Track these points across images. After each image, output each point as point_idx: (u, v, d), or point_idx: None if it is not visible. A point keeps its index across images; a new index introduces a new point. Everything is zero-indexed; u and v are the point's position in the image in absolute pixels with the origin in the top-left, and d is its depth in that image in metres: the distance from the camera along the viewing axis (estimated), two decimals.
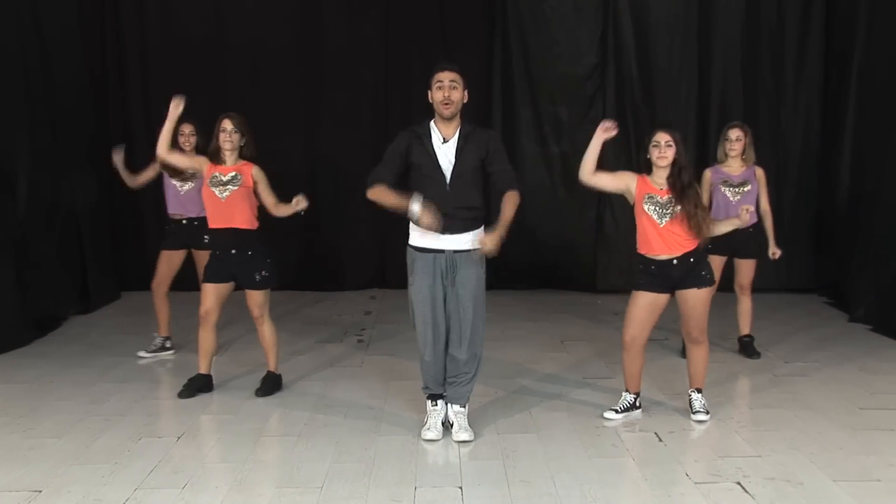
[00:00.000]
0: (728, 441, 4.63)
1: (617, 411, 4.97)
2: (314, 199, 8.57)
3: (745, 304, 6.24)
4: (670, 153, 4.67)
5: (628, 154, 8.47)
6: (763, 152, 8.04)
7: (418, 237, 4.55)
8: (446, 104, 4.43)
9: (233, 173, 5.24)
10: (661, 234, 4.68)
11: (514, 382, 5.68)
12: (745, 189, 6.01)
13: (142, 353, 6.27)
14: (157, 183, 6.37)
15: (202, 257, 5.80)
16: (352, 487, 4.02)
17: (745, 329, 6.30)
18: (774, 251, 6.15)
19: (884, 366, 6.05)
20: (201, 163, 5.30)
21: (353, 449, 4.51)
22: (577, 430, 4.78)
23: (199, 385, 5.40)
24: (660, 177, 4.74)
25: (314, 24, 8.60)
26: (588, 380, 5.74)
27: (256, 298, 5.33)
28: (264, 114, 8.22)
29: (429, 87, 4.51)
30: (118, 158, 6.32)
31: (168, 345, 6.37)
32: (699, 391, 4.98)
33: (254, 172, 5.29)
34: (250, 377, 5.68)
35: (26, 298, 6.73)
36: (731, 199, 6.01)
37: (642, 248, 4.78)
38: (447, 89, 4.41)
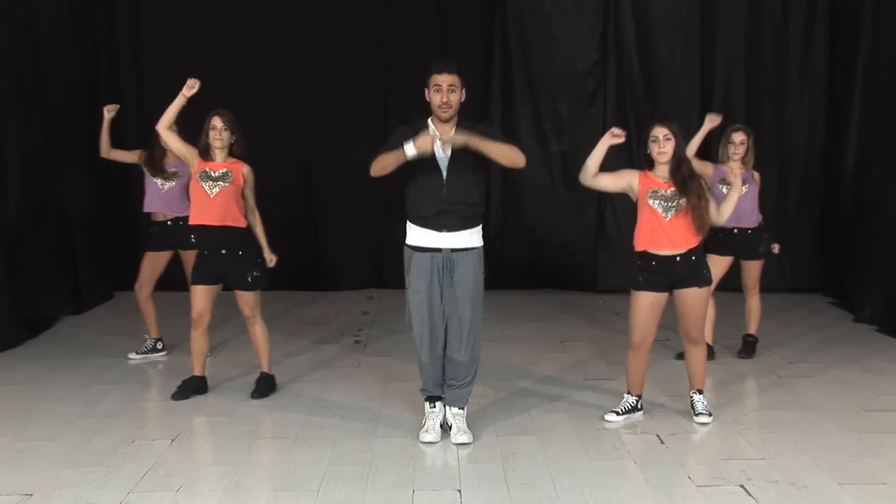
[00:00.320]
0: (731, 443, 4.59)
1: (618, 413, 4.92)
2: (311, 198, 8.69)
3: (750, 304, 6.21)
4: (669, 147, 4.63)
5: (629, 151, 8.43)
6: (767, 151, 8.06)
7: (416, 236, 4.50)
8: (445, 108, 4.38)
9: (224, 170, 5.19)
10: (667, 229, 4.64)
11: (514, 384, 5.64)
12: (743, 189, 5.97)
13: (132, 355, 6.22)
14: (142, 182, 6.28)
15: (189, 257, 5.72)
16: (349, 490, 3.98)
17: (749, 328, 6.27)
18: (773, 248, 6.16)
19: (889, 367, 6.00)
20: (193, 154, 5.23)
21: (350, 451, 4.47)
22: (578, 432, 4.75)
23: (193, 387, 5.36)
24: (662, 171, 4.71)
25: (310, 21, 8.54)
26: (589, 381, 5.70)
27: (248, 299, 5.28)
28: (260, 112, 8.21)
29: (426, 85, 4.45)
30: (108, 116, 6.11)
31: (160, 346, 6.32)
32: (700, 392, 4.95)
33: (245, 172, 5.25)
34: (245, 378, 5.64)
35: (17, 298, 6.68)
36: None
37: (644, 245, 4.72)
38: (445, 93, 4.36)
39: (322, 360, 6.25)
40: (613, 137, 4.61)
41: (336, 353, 6.44)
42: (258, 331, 5.37)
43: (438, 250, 4.46)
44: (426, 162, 4.40)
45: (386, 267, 8.65)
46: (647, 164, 4.76)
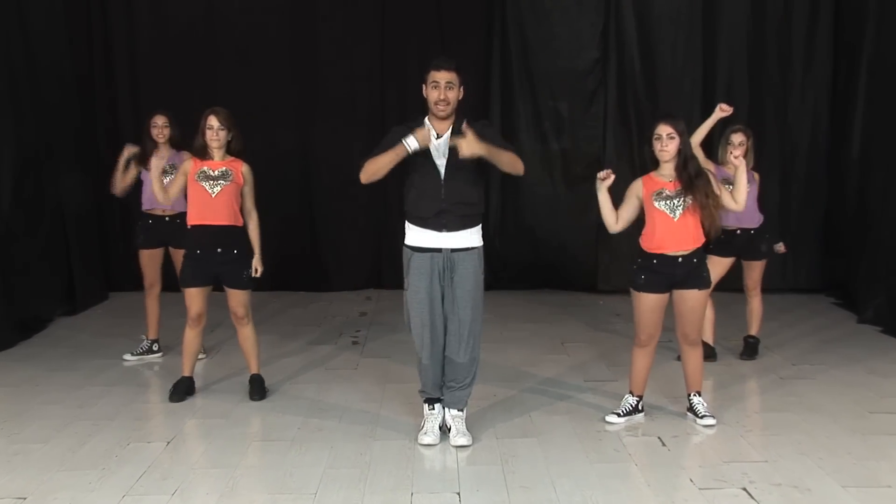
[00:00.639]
0: (733, 446, 4.56)
1: (619, 415, 4.89)
2: (308, 197, 8.64)
3: (752, 305, 6.17)
4: (672, 146, 4.60)
5: (630, 151, 8.42)
6: (770, 149, 8.03)
7: (415, 236, 4.47)
8: (442, 105, 4.35)
9: (223, 168, 5.16)
10: (676, 229, 4.61)
11: (514, 385, 5.61)
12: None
13: (127, 356, 6.18)
14: (138, 180, 6.22)
15: (180, 256, 5.66)
16: (347, 493, 3.96)
17: (751, 329, 6.22)
18: (779, 248, 6.13)
19: (893, 368, 5.96)
20: (186, 168, 5.21)
21: (348, 454, 4.44)
22: (579, 434, 4.72)
23: (185, 388, 5.33)
24: (667, 169, 4.68)
25: (308, 17, 8.49)
26: (589, 383, 5.67)
27: (242, 298, 5.24)
28: (257, 110, 8.16)
29: (423, 82, 4.42)
30: (128, 153, 6.04)
31: (156, 347, 6.27)
32: (699, 394, 4.92)
33: (244, 171, 5.22)
34: (240, 381, 5.58)
35: (11, 299, 6.65)
36: None
37: (653, 247, 4.68)
38: (443, 90, 4.34)
39: (319, 361, 6.22)
40: (603, 182, 4.65)
41: (333, 355, 6.40)
42: (250, 331, 5.33)
43: (438, 250, 4.43)
44: (424, 163, 4.37)
45: (384, 267, 8.61)
46: (652, 162, 4.73)
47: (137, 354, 6.19)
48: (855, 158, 7.93)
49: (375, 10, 8.51)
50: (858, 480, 4.07)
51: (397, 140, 4.36)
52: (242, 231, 5.22)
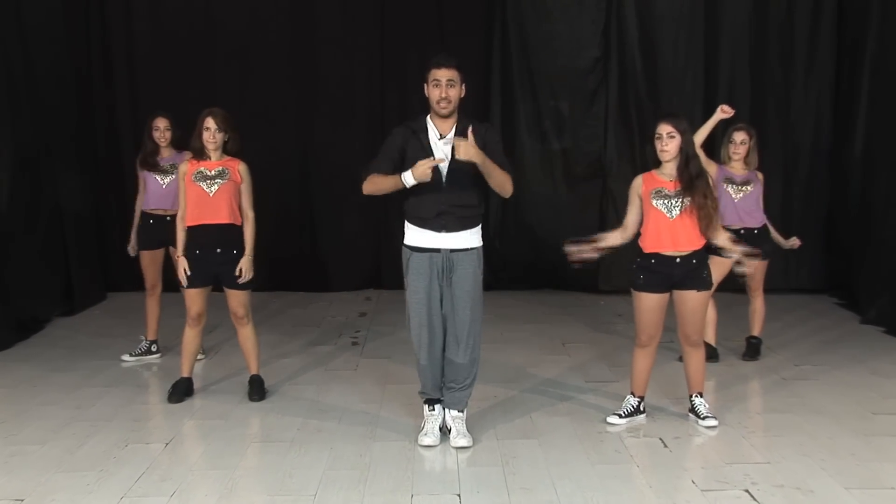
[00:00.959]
0: (736, 447, 4.54)
1: (621, 416, 4.87)
2: (308, 198, 8.62)
3: (754, 306, 6.15)
4: (672, 145, 4.58)
5: (631, 150, 8.39)
6: (772, 149, 8.00)
7: (414, 236, 4.46)
8: (444, 104, 4.33)
9: (220, 168, 5.14)
10: (672, 229, 4.60)
11: (514, 386, 5.59)
12: (748, 188, 5.94)
13: (125, 357, 6.16)
14: (135, 180, 6.21)
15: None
16: (346, 495, 3.94)
17: (753, 330, 6.20)
18: (793, 242, 6.11)
19: None
20: (183, 170, 5.19)
21: (348, 455, 4.42)
22: (580, 435, 4.70)
23: (184, 388, 5.31)
24: (668, 167, 4.66)
25: (307, 17, 8.46)
26: (590, 383, 5.65)
27: (242, 299, 5.22)
28: (256, 111, 8.15)
29: (424, 80, 4.40)
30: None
31: (154, 348, 6.25)
32: (700, 395, 4.90)
33: (241, 170, 5.20)
34: (240, 381, 5.56)
35: (8, 299, 6.63)
36: (734, 196, 5.93)
37: (650, 247, 4.68)
38: (444, 88, 4.32)
39: (319, 361, 6.20)
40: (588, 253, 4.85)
41: (333, 355, 6.38)
42: (250, 332, 5.31)
43: (437, 251, 4.42)
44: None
45: (384, 267, 8.58)
46: (654, 162, 4.72)
47: (136, 355, 6.17)
48: (858, 158, 7.91)
49: (375, 8, 8.49)
50: (861, 482, 4.05)
51: (399, 142, 4.36)
52: (241, 230, 5.20)
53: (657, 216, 4.62)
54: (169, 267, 6.12)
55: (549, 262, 8.64)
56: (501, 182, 4.39)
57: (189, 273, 5.09)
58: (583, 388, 5.55)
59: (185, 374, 5.33)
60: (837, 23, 8.32)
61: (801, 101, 8.44)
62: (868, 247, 7.54)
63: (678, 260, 4.61)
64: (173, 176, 5.90)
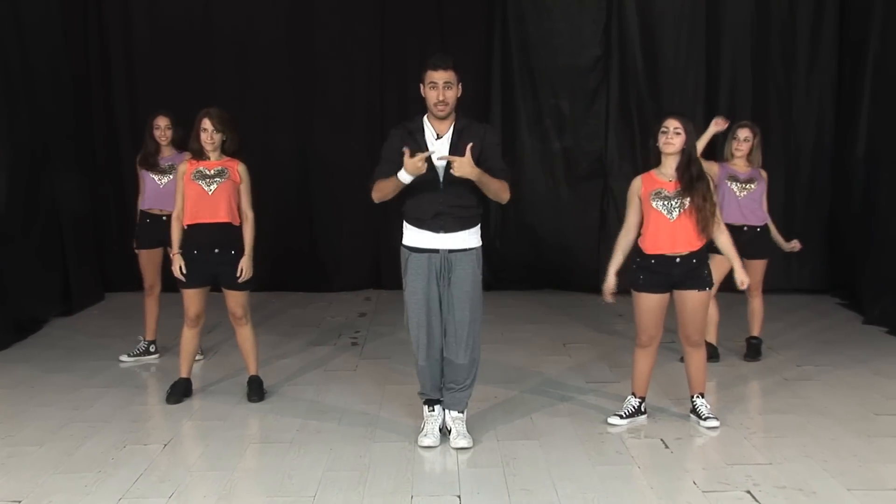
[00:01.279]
0: (737, 448, 4.52)
1: (621, 417, 4.86)
2: (307, 198, 8.60)
3: (753, 306, 6.12)
4: (678, 141, 4.56)
5: (632, 149, 8.37)
6: (774, 147, 7.98)
7: (413, 237, 4.45)
8: (441, 107, 4.32)
9: (219, 167, 5.13)
10: (672, 230, 4.58)
11: (515, 387, 5.58)
12: (752, 186, 5.92)
13: (123, 357, 6.15)
14: (135, 180, 6.20)
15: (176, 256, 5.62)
16: (346, 496, 3.93)
17: (753, 330, 6.18)
18: (794, 245, 6.08)
19: None
20: (182, 170, 5.18)
21: (347, 456, 4.41)
22: (580, 436, 4.69)
23: (182, 389, 5.30)
24: (668, 167, 4.64)
25: (306, 15, 8.44)
26: (591, 384, 5.64)
27: (240, 299, 5.21)
28: (255, 110, 8.14)
29: (420, 81, 4.38)
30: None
31: (152, 349, 6.23)
32: (702, 396, 4.89)
33: (240, 170, 5.19)
34: (239, 382, 5.54)
35: (6, 300, 6.61)
36: (738, 194, 5.92)
37: (650, 248, 4.66)
38: (441, 90, 4.30)
39: (318, 362, 6.18)
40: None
41: (332, 356, 6.37)
42: (248, 332, 5.30)
43: (436, 251, 4.40)
44: (424, 164, 4.32)
45: (383, 268, 8.56)
46: (655, 157, 4.69)
47: (134, 355, 6.15)
48: (860, 157, 7.88)
49: (375, 6, 8.46)
50: (864, 483, 4.04)
51: (398, 144, 4.34)
52: (240, 231, 5.18)
53: (657, 217, 4.61)
54: (168, 267, 6.10)
55: (550, 262, 8.67)
56: (497, 192, 4.39)
57: (185, 271, 5.07)
58: (583, 388, 5.54)
59: (184, 375, 5.32)
60: (839, 22, 8.29)
61: (803, 100, 8.41)
62: (870, 247, 7.51)
63: (678, 260, 4.60)
64: (171, 176, 5.88)
